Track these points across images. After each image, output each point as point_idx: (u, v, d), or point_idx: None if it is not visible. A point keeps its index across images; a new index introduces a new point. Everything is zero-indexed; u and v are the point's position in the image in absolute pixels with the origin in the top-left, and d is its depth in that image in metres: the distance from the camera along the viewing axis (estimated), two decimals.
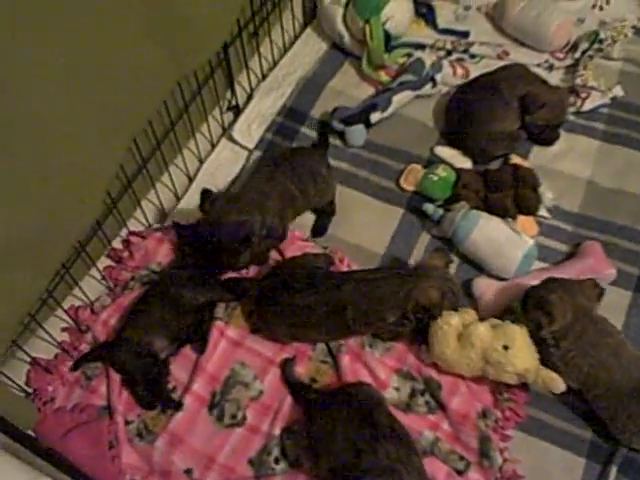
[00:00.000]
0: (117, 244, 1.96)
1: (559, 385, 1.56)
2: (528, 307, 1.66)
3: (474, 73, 2.21)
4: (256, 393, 1.73)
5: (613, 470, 1.58)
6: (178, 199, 2.09)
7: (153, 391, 1.70)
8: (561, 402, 1.67)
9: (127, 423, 1.70)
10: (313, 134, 2.17)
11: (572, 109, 2.13)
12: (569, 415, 1.66)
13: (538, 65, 2.24)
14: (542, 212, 1.94)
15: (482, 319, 1.67)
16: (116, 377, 1.73)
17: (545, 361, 1.61)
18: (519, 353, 1.58)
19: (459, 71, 2.26)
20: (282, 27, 2.36)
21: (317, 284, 1.70)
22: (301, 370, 1.75)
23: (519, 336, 1.60)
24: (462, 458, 1.62)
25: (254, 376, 1.75)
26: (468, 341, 1.60)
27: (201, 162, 2.17)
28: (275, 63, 2.38)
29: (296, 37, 2.45)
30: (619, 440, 1.60)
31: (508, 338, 1.59)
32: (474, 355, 1.61)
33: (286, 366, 1.75)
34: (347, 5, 2.29)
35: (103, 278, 1.91)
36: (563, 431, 1.64)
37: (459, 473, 1.60)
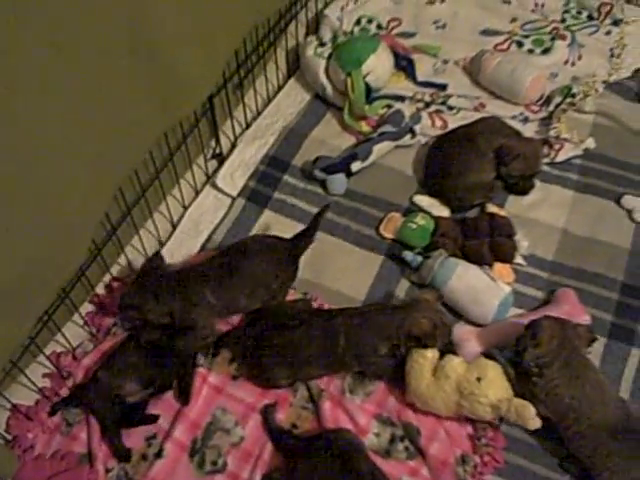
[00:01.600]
0: (100, 290, 1.98)
1: (531, 413, 1.58)
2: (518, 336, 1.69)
3: (452, 124, 2.27)
4: (237, 439, 1.74)
5: None
6: (161, 245, 2.11)
7: (130, 425, 1.73)
8: (540, 447, 1.69)
9: (107, 471, 1.70)
10: (295, 182, 2.22)
11: (546, 160, 2.19)
12: (548, 461, 1.68)
13: (513, 117, 2.31)
14: (518, 260, 1.98)
15: None
16: (96, 423, 1.73)
17: (527, 395, 1.63)
18: (492, 384, 1.62)
19: (437, 122, 2.32)
20: (266, 78, 2.42)
21: (307, 319, 1.75)
22: (282, 416, 1.77)
23: (492, 368, 1.64)
24: None
25: (235, 422, 1.76)
26: (442, 373, 1.64)
27: (185, 209, 2.20)
28: (259, 113, 2.43)
29: (280, 88, 2.51)
30: None
31: (481, 370, 1.63)
32: (448, 387, 1.64)
33: (267, 412, 1.76)
34: (329, 58, 2.37)
35: (85, 324, 1.92)
36: (542, 477, 1.66)
37: None
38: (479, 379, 1.62)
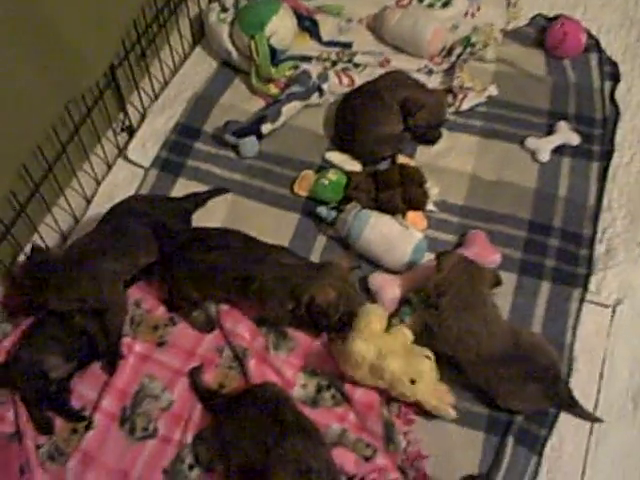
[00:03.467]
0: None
1: (451, 414, 1.66)
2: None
3: (359, 81, 2.30)
4: (166, 404, 1.75)
5: (510, 441, 1.67)
6: (77, 221, 2.09)
7: (56, 412, 1.71)
8: (458, 384, 1.75)
9: (38, 447, 1.68)
10: (207, 148, 2.22)
11: (451, 109, 2.25)
12: (467, 395, 1.74)
13: (418, 70, 2.36)
14: (430, 207, 2.04)
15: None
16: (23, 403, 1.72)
17: (426, 332, 1.72)
18: (424, 388, 1.65)
19: (345, 80, 2.35)
20: (171, 47, 2.40)
21: (232, 246, 1.79)
22: (209, 378, 1.78)
23: (427, 373, 1.65)
24: (369, 445, 1.67)
25: (163, 387, 1.77)
26: (379, 373, 1.65)
27: (98, 183, 2.18)
28: (166, 83, 2.42)
29: (186, 57, 2.50)
30: (513, 411, 1.70)
31: (417, 374, 1.65)
32: (382, 383, 1.67)
33: (194, 375, 1.77)
34: (232, 23, 2.36)
35: (2, 305, 1.88)
36: (461, 410, 1.71)
37: (367, 459, 1.65)
38: (413, 381, 1.64)
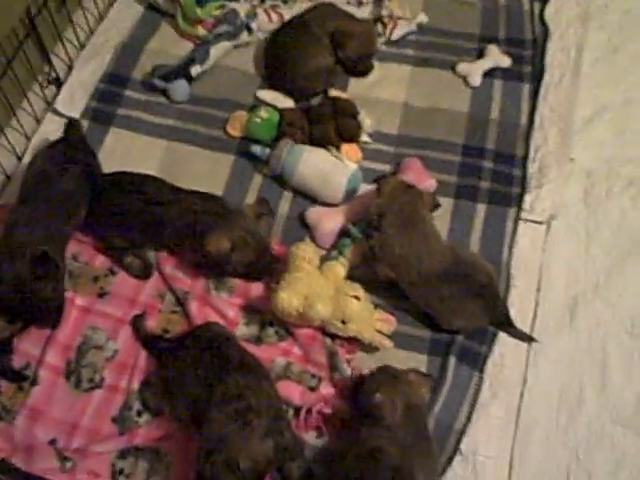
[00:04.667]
0: None
1: (387, 345, 1.68)
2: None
3: (288, 17, 2.26)
4: (111, 353, 1.74)
5: (452, 360, 1.70)
6: (8, 178, 2.04)
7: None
8: (400, 309, 1.77)
9: None
10: (137, 96, 2.18)
11: (382, 39, 2.23)
12: (409, 319, 1.77)
13: (347, 2, 2.32)
14: (364, 138, 2.03)
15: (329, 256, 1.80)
16: None
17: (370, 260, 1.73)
18: (355, 327, 1.67)
19: (274, 17, 2.31)
20: None
21: (146, 191, 1.79)
22: (152, 324, 1.78)
23: (356, 313, 1.66)
24: (314, 376, 1.69)
25: (107, 337, 1.76)
26: (308, 316, 1.66)
27: (28, 139, 2.12)
28: (92, 31, 2.35)
29: (110, 3, 2.43)
30: (452, 331, 1.73)
31: (346, 315, 1.66)
32: (314, 323, 1.69)
33: (136, 322, 1.77)
34: None
35: None
36: (404, 334, 1.74)
37: (312, 390, 1.67)
38: (344, 322, 1.67)
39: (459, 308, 1.69)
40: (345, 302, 1.65)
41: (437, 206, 1.80)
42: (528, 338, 1.73)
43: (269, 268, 1.77)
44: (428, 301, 1.71)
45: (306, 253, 1.71)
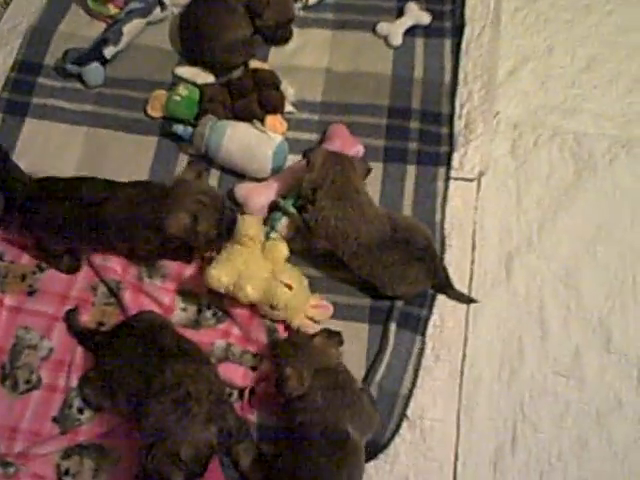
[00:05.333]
0: None
1: (311, 330, 1.65)
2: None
3: None
4: (46, 352, 1.70)
5: (392, 326, 1.69)
6: None
7: None
8: (337, 278, 1.75)
9: None
10: (51, 83, 2.10)
11: (299, 5, 2.18)
12: (348, 289, 1.76)
13: None
14: (288, 108, 1.99)
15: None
16: None
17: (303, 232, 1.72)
18: (283, 313, 1.65)
19: None
20: None
21: (79, 196, 1.68)
22: (86, 318, 1.74)
23: (284, 301, 1.62)
24: (255, 355, 1.68)
25: (41, 336, 1.72)
26: (236, 296, 1.63)
27: None
28: None
29: None
30: (392, 297, 1.72)
31: (274, 302, 1.62)
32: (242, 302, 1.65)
33: (70, 318, 1.73)
34: None
35: None
36: (344, 305, 1.73)
37: (254, 369, 1.65)
38: (272, 307, 1.64)
39: (402, 274, 1.67)
40: (275, 289, 1.62)
41: (369, 171, 1.77)
42: (467, 299, 1.73)
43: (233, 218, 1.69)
44: (371, 270, 1.68)
45: (249, 229, 1.66)
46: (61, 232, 1.70)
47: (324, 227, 1.67)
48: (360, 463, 1.48)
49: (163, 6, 2.17)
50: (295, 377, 1.47)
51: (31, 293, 1.77)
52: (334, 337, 1.59)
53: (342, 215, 1.66)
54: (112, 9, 2.19)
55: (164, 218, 1.61)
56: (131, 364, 1.53)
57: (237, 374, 1.64)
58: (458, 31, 2.13)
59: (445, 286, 1.73)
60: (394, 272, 1.66)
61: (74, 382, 1.66)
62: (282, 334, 1.68)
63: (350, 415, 1.47)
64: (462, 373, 1.66)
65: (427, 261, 1.68)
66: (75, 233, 1.70)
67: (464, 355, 1.68)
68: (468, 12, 2.15)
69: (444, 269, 1.74)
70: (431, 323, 1.71)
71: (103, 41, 2.07)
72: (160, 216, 1.62)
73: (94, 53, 2.06)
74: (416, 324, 1.71)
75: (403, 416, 1.61)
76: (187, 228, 1.62)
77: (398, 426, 1.60)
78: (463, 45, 2.09)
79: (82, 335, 1.71)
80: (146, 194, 1.68)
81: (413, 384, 1.64)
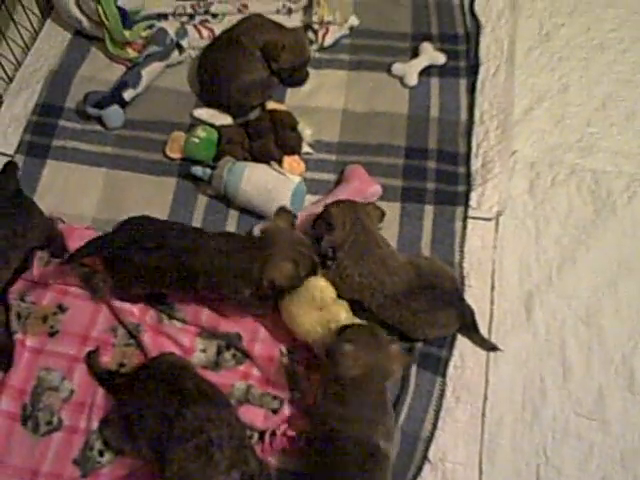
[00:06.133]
0: None
1: None
2: (315, 225, 1.75)
3: (219, 32, 2.22)
4: (67, 394, 1.70)
5: (413, 368, 1.69)
6: None
7: None
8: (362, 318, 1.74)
9: None
10: (72, 125, 2.13)
11: (315, 47, 2.21)
12: None
13: (277, 12, 2.30)
14: (305, 149, 2.01)
15: None
16: None
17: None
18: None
19: (205, 33, 2.27)
20: (15, 24, 2.26)
21: (169, 244, 1.67)
22: (107, 359, 1.74)
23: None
24: (275, 397, 1.67)
25: (62, 377, 1.72)
26: (327, 317, 1.63)
27: None
28: (19, 63, 2.29)
29: (37, 32, 2.37)
30: (414, 340, 1.72)
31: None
32: (318, 330, 1.64)
33: (91, 359, 1.73)
34: None
35: None
36: None
37: (274, 412, 1.65)
38: None
39: (433, 320, 1.67)
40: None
41: (383, 215, 1.79)
42: (489, 346, 1.72)
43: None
44: (401, 318, 1.68)
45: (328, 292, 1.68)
46: (148, 280, 1.70)
47: (348, 283, 1.68)
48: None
49: (181, 49, 2.21)
50: (351, 357, 1.47)
51: (52, 334, 1.77)
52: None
53: (366, 272, 1.67)
54: (131, 52, 2.23)
55: (264, 268, 1.62)
56: (152, 407, 1.53)
57: (257, 417, 1.64)
58: (473, 70, 2.15)
59: (470, 329, 1.72)
60: (424, 319, 1.66)
61: (95, 424, 1.65)
62: (303, 373, 1.68)
63: (382, 433, 1.49)
64: (484, 415, 1.65)
65: (455, 304, 1.68)
66: (161, 281, 1.70)
67: (485, 396, 1.67)
68: (483, 52, 2.18)
69: (471, 312, 1.73)
70: (452, 364, 1.70)
71: (123, 84, 2.10)
72: (254, 265, 1.63)
73: (114, 96, 2.09)
74: (436, 365, 1.70)
75: (425, 459, 1.59)
76: (292, 275, 1.63)
77: (420, 469, 1.58)
78: (478, 84, 2.11)
79: (103, 377, 1.70)
80: (237, 243, 1.69)
81: (434, 426, 1.63)
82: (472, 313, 1.72)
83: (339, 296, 1.68)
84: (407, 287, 1.66)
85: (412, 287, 1.66)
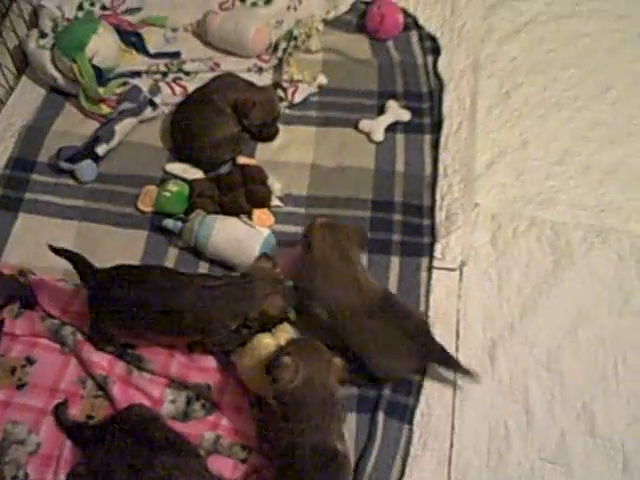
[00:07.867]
0: None
1: None
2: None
3: (192, 89, 2.29)
4: (34, 447, 1.69)
5: (381, 416, 1.71)
6: None
7: None
8: None
9: None
10: (44, 179, 2.16)
11: (285, 104, 2.28)
12: None
13: (248, 70, 2.37)
14: (275, 202, 2.05)
15: None
16: None
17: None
18: None
19: (177, 90, 2.34)
20: None
21: (152, 280, 1.69)
22: (75, 411, 1.74)
23: None
24: (244, 447, 1.67)
25: (28, 430, 1.71)
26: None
27: None
28: None
29: (12, 88, 2.42)
30: (380, 386, 1.74)
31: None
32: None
33: (58, 411, 1.72)
34: (53, 48, 2.29)
35: None
36: None
37: (243, 462, 1.65)
38: None
39: (394, 348, 1.69)
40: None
41: (365, 239, 1.87)
42: (465, 370, 1.74)
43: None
44: (363, 341, 1.70)
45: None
46: (130, 319, 1.70)
47: (320, 300, 1.74)
48: None
49: (154, 106, 2.26)
50: (291, 369, 1.53)
51: (20, 387, 1.77)
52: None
53: (337, 289, 1.73)
54: (105, 108, 2.27)
55: (255, 302, 1.68)
56: (120, 458, 1.53)
57: (226, 467, 1.64)
58: (437, 127, 2.22)
59: (443, 360, 1.75)
60: (386, 343, 1.69)
61: (62, 477, 1.64)
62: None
63: (337, 435, 1.53)
64: (450, 461, 1.67)
65: (421, 338, 1.71)
66: (144, 320, 1.70)
67: (452, 443, 1.70)
68: (445, 109, 2.26)
69: (440, 345, 1.74)
70: (418, 411, 1.72)
71: (96, 139, 2.15)
72: (245, 297, 1.68)
73: (87, 151, 2.13)
74: (403, 413, 1.73)
75: None
76: (282, 306, 1.71)
77: None
78: (442, 140, 2.18)
79: (71, 429, 1.70)
80: (221, 280, 1.73)
81: (402, 474, 1.64)
82: (441, 346, 1.74)
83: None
84: (375, 304, 1.70)
85: (380, 305, 1.70)
